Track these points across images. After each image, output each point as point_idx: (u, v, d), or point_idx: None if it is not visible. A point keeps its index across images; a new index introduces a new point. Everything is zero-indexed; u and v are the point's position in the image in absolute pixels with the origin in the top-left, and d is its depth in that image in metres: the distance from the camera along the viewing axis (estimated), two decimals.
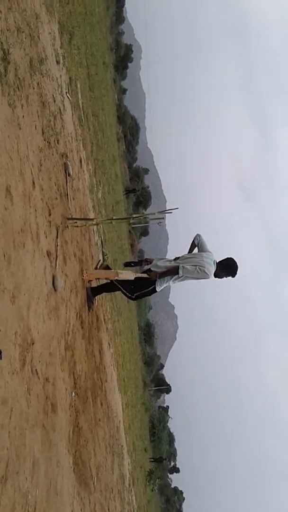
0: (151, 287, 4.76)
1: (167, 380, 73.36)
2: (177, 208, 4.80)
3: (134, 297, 5.00)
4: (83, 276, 4.86)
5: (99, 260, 5.79)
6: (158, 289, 4.76)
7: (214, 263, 4.70)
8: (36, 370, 2.66)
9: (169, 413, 67.84)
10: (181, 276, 4.64)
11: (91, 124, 9.16)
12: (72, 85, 6.26)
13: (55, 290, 3.40)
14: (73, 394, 3.64)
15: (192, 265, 4.60)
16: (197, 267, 4.58)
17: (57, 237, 3.69)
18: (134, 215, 4.88)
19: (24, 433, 2.29)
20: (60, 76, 5.24)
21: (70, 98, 5.85)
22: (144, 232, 56.09)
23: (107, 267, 5.45)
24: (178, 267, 4.59)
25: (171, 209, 4.80)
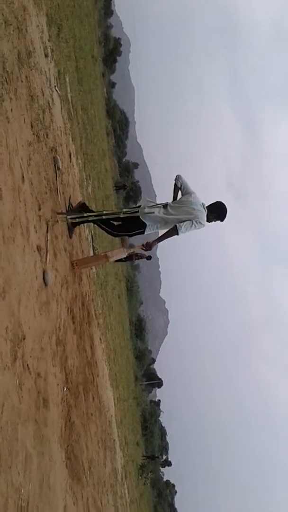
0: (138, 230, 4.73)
1: (159, 374, 73.68)
2: (167, 203, 4.78)
3: (115, 234, 5.00)
4: (74, 269, 4.85)
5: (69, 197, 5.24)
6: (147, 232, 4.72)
7: (204, 208, 4.62)
8: (27, 365, 2.65)
9: (160, 407, 68.24)
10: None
11: (80, 118, 9.11)
12: (60, 78, 6.21)
13: (45, 285, 3.39)
14: (65, 389, 3.64)
15: (187, 219, 4.49)
16: (193, 220, 4.48)
17: (47, 231, 3.67)
18: (124, 210, 4.85)
19: (16, 428, 2.29)
20: (49, 69, 5.19)
21: (59, 92, 5.80)
22: None
23: (77, 205, 4.97)
24: (175, 228, 4.45)
25: (161, 204, 4.78)
